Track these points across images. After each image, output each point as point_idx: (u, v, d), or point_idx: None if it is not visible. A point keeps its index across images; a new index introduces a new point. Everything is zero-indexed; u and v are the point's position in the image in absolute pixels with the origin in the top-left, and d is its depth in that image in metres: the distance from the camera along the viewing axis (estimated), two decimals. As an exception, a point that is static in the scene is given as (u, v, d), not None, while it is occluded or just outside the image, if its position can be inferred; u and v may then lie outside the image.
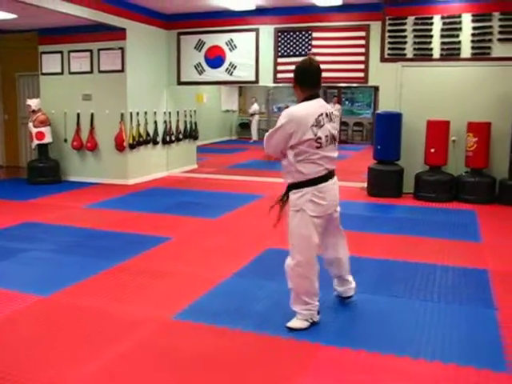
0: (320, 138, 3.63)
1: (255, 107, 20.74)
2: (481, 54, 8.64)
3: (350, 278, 4.26)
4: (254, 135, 20.48)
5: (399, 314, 4.08)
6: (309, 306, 3.80)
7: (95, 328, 3.77)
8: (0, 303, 4.20)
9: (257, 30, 10.17)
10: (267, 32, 10.10)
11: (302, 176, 3.68)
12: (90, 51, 10.16)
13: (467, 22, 8.65)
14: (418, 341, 3.59)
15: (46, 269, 5.12)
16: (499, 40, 8.51)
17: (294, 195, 3.74)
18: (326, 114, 3.70)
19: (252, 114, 20.74)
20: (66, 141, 10.45)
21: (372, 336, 3.68)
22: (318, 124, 3.63)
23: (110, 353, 3.39)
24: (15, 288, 4.52)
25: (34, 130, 9.97)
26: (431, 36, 8.89)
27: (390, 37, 9.14)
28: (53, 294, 4.42)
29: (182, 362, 3.29)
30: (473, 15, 8.61)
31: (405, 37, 9.05)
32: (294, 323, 3.79)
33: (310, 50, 9.70)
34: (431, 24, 8.86)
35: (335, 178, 3.85)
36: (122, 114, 9.98)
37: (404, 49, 9.09)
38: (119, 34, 9.75)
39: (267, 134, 3.82)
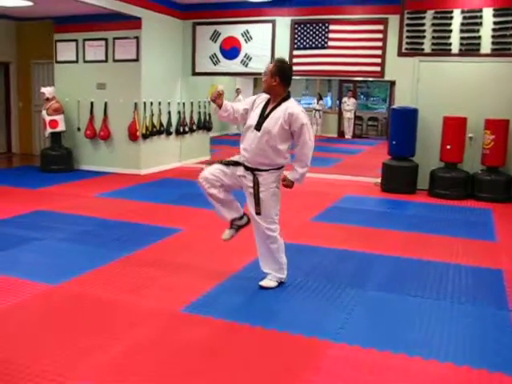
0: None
1: (240, 99, 18.26)
2: (501, 49, 8.46)
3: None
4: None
5: (411, 313, 4.00)
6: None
7: (103, 319, 3.73)
8: (9, 291, 4.18)
9: (273, 22, 10.06)
10: (284, 24, 9.98)
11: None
12: (105, 40, 10.11)
13: (488, 17, 8.48)
14: (429, 341, 3.52)
15: (56, 258, 5.09)
16: (521, 36, 8.36)
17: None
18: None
19: None
20: (79, 129, 10.43)
21: (383, 334, 3.61)
22: None
23: (117, 345, 3.34)
24: (24, 276, 4.49)
25: (48, 118, 9.93)
26: (450, 31, 8.73)
27: (408, 31, 9.00)
28: (62, 283, 4.39)
29: (189, 356, 3.24)
30: (494, 10, 8.43)
31: (423, 31, 8.90)
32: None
33: (326, 42, 9.60)
34: (451, 18, 8.70)
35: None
36: (136, 104, 9.94)
37: (422, 43, 8.94)
38: (135, 23, 9.70)
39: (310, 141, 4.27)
